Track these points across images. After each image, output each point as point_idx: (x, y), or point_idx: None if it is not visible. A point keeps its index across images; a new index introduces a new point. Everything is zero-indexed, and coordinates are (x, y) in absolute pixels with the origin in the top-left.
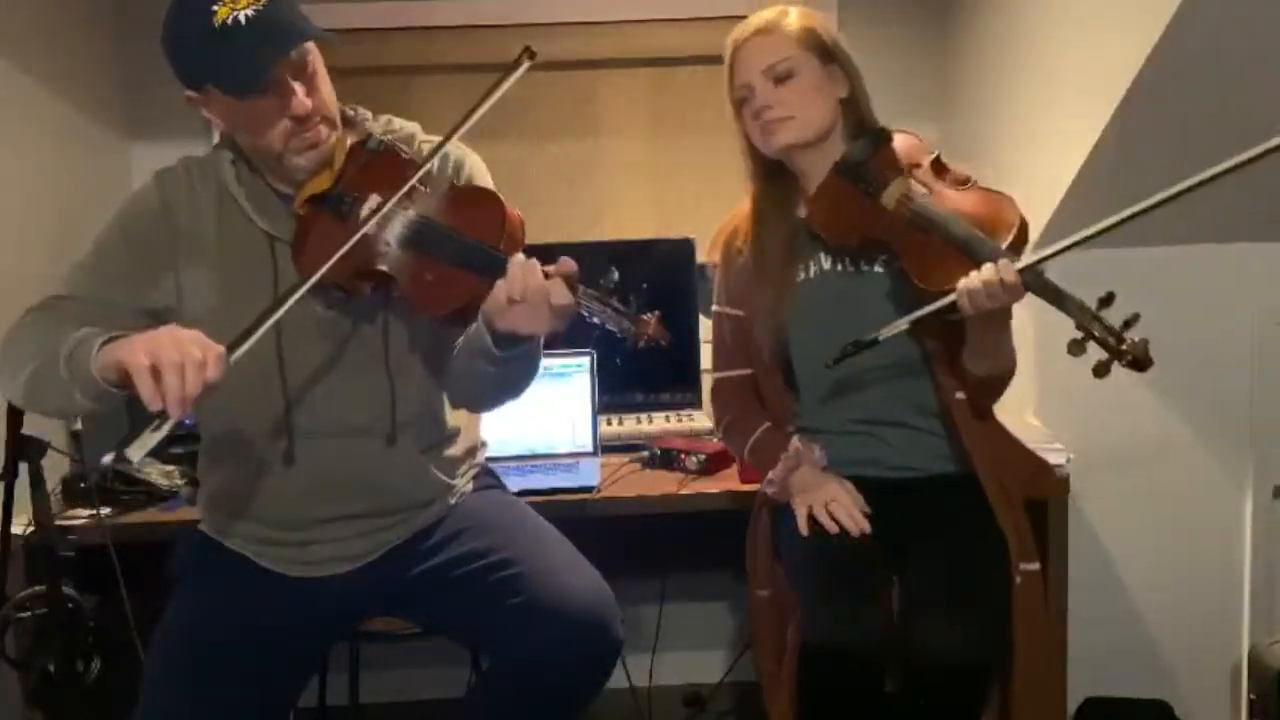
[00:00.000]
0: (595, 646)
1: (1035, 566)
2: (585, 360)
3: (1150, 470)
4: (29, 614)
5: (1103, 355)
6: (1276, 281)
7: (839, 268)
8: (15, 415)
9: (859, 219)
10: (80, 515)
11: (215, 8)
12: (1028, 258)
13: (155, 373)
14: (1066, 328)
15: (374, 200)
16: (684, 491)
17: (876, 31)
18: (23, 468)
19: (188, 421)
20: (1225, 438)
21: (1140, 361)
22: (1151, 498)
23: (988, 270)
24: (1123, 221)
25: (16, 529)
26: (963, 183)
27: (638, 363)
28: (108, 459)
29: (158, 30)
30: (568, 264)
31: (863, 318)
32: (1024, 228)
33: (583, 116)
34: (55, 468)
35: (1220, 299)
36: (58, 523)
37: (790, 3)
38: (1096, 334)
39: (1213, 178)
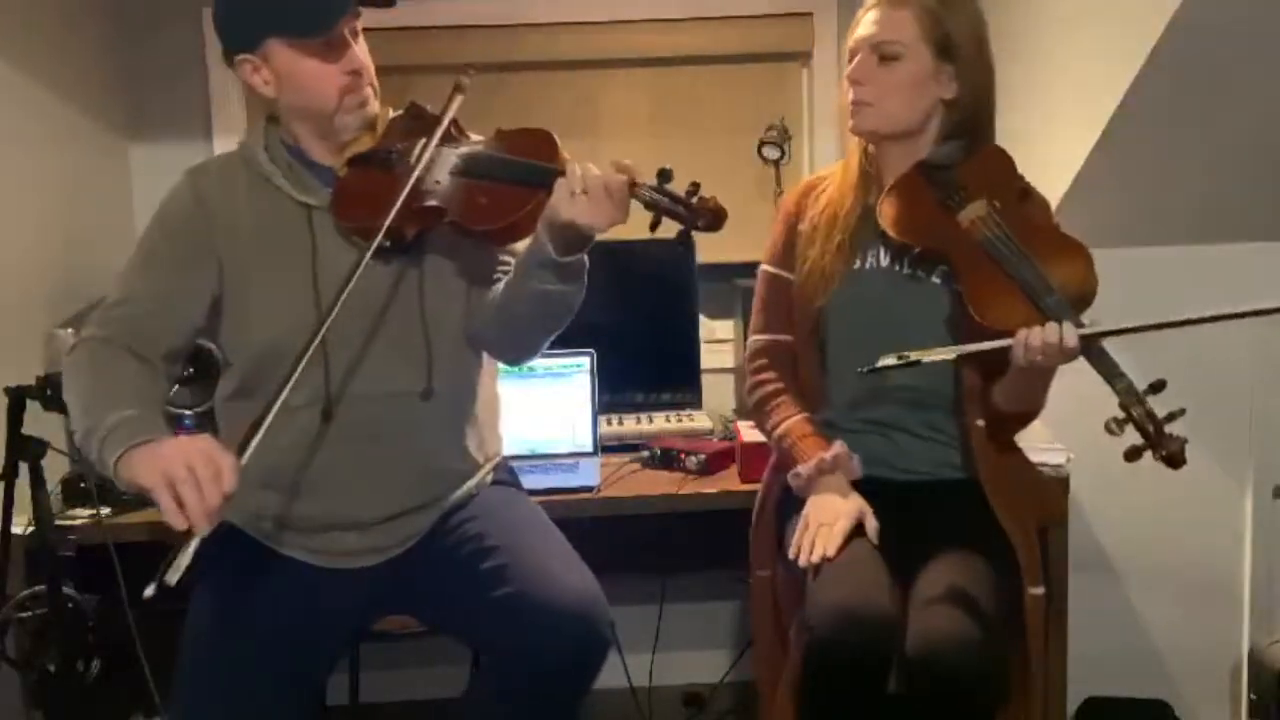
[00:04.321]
0: (580, 644)
1: (1040, 591)
2: (585, 360)
3: (1150, 470)
4: (29, 614)
5: (1138, 441)
6: (1276, 281)
7: (897, 268)
8: (15, 415)
9: (928, 226)
10: (80, 515)
11: None
12: (1092, 327)
13: (174, 493)
14: None
15: (421, 143)
16: (684, 491)
17: None
18: (23, 468)
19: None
20: (1225, 438)
21: (1174, 459)
22: (1151, 498)
23: (1050, 331)
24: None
25: (16, 529)
26: (1042, 217)
27: (638, 363)
28: (150, 591)
29: (157, 31)
30: (621, 162)
31: (906, 325)
32: (1094, 290)
33: (583, 116)
34: (55, 468)
35: (1220, 299)
36: (58, 523)
37: None
38: (1138, 419)
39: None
